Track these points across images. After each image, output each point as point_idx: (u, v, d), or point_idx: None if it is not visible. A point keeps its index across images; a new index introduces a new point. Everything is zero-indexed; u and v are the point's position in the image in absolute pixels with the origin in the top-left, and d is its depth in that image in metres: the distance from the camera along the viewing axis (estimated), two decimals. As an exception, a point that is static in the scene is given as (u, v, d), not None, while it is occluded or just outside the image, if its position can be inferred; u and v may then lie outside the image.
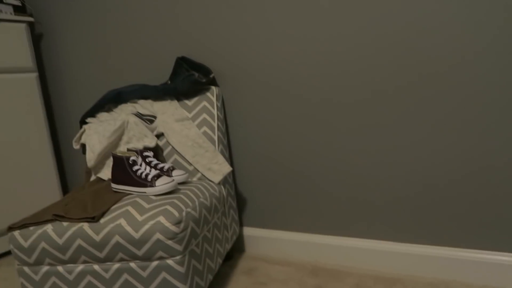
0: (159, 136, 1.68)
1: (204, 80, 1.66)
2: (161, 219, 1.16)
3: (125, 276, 1.18)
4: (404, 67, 1.39)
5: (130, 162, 1.36)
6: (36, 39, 2.28)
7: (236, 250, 1.85)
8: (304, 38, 1.53)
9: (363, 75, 1.46)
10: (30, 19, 2.11)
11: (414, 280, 1.46)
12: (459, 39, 1.30)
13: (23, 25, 2.09)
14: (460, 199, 1.40)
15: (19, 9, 2.10)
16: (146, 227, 1.15)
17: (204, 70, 1.73)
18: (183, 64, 1.77)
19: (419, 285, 1.42)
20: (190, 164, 1.60)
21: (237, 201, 1.83)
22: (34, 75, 2.14)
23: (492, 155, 1.33)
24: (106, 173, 1.59)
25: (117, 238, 1.15)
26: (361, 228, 1.59)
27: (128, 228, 1.15)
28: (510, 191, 1.32)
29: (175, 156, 1.62)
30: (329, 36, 1.49)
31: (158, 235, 1.14)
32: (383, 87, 1.44)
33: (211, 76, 1.70)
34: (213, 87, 1.71)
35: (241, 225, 1.85)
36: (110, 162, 1.61)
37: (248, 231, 1.82)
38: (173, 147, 1.63)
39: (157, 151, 1.65)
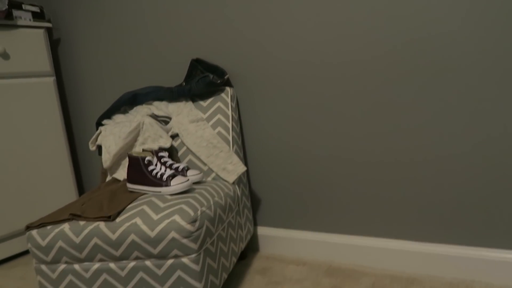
0: (174, 137, 1.70)
1: (219, 81, 1.67)
2: (176, 218, 1.16)
3: (141, 274, 1.19)
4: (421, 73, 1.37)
5: (146, 162, 1.37)
6: (54, 44, 2.33)
7: (250, 249, 1.85)
8: (318, 37, 1.53)
9: (379, 69, 1.45)
10: (48, 25, 2.16)
11: (432, 280, 1.43)
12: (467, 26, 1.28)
13: (42, 31, 2.13)
14: (480, 197, 1.37)
15: (37, 16, 2.14)
16: (162, 226, 1.16)
17: (218, 71, 1.74)
18: (198, 66, 1.79)
19: (438, 284, 1.40)
20: (205, 164, 1.61)
21: (251, 201, 1.83)
22: (52, 79, 2.18)
23: None
24: (121, 174, 1.61)
25: (132, 236, 1.16)
26: (377, 227, 1.57)
27: (144, 227, 1.16)
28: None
29: (190, 157, 1.63)
30: (342, 34, 1.48)
31: (173, 234, 1.15)
32: (402, 83, 1.42)
33: (225, 77, 1.71)
34: (227, 88, 1.72)
35: (255, 224, 1.85)
36: (125, 163, 1.63)
37: (262, 230, 1.81)
38: (188, 147, 1.64)
39: (172, 152, 1.66)
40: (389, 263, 1.54)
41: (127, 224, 1.18)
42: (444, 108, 1.37)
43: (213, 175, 1.59)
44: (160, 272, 1.18)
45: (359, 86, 1.49)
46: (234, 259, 1.49)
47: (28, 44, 2.08)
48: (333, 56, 1.51)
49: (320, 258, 1.68)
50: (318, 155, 1.62)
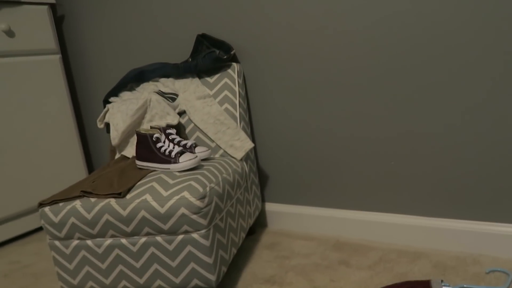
0: (181, 113, 1.70)
1: (225, 57, 1.65)
2: (186, 194, 1.17)
3: (152, 249, 1.21)
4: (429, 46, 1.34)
5: (154, 140, 1.38)
6: (58, 21, 2.31)
7: (259, 225, 1.87)
8: (327, 10, 1.50)
9: (389, 45, 1.42)
10: (52, 1, 2.13)
11: (439, 253, 1.45)
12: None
13: (45, 7, 2.11)
14: (487, 171, 1.36)
15: (40, -9, 2.12)
16: (171, 202, 1.17)
17: (225, 46, 1.72)
18: (204, 41, 1.76)
19: (444, 258, 1.41)
20: (212, 141, 1.61)
21: (259, 177, 1.84)
22: (57, 57, 2.18)
23: (522, 127, 1.28)
24: (130, 151, 1.62)
25: (143, 213, 1.18)
26: (385, 203, 1.57)
27: (154, 203, 1.18)
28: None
29: (197, 133, 1.63)
30: (352, 8, 1.45)
31: (183, 210, 1.16)
32: (409, 60, 1.40)
33: (232, 52, 1.69)
34: (234, 64, 1.70)
35: (263, 200, 1.86)
36: (134, 140, 1.64)
37: (270, 206, 1.83)
38: (195, 124, 1.64)
39: (180, 129, 1.66)
40: (396, 238, 1.56)
41: (137, 200, 1.19)
42: (452, 82, 1.35)
43: (221, 151, 1.60)
44: (170, 247, 1.20)
45: (370, 60, 1.47)
46: (243, 235, 1.51)
47: (32, 21, 2.06)
48: (344, 29, 1.49)
49: (328, 233, 1.70)
50: (326, 131, 1.62)
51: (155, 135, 1.38)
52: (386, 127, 1.49)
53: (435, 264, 1.38)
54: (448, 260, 1.40)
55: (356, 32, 1.46)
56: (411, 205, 1.52)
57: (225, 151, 1.59)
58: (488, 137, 1.34)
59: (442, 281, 1.21)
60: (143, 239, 1.21)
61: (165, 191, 1.20)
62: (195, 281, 1.22)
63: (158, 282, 1.23)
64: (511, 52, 1.24)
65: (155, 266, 1.22)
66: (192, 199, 1.17)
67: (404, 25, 1.37)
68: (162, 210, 1.17)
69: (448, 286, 1.19)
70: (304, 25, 1.55)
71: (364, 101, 1.51)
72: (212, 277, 1.21)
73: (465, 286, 1.22)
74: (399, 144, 1.49)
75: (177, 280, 1.22)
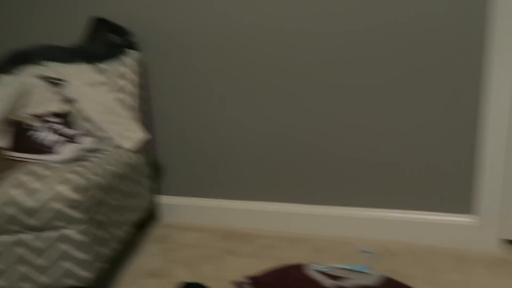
0: (70, 101, 1.60)
1: (122, 43, 1.59)
2: (61, 186, 1.11)
3: (20, 249, 1.11)
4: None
5: (29, 127, 1.29)
6: None
7: (152, 218, 1.83)
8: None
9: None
10: None
11: (317, 238, 1.56)
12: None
13: None
14: (336, 160, 1.48)
15: None
16: (42, 195, 1.10)
17: (123, 32, 1.64)
18: (100, 26, 1.67)
19: (322, 242, 1.53)
20: (104, 131, 1.54)
21: (156, 170, 1.80)
22: None
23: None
24: (3, 141, 1.49)
25: (8, 208, 1.08)
26: (270, 192, 1.64)
27: (22, 198, 1.09)
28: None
29: (87, 123, 1.55)
30: None
31: (56, 204, 1.10)
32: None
33: (130, 38, 1.62)
34: (133, 51, 1.63)
35: (158, 193, 1.83)
36: (8, 129, 1.51)
37: (165, 199, 1.81)
38: (85, 113, 1.55)
39: (67, 117, 1.56)
40: (280, 225, 1.64)
41: (3, 195, 1.10)
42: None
43: (112, 142, 1.53)
44: (41, 245, 1.11)
45: (279, 55, 1.50)
46: (131, 229, 1.47)
47: None
48: (256, 24, 1.50)
49: (219, 223, 1.73)
50: (221, 123, 1.64)
51: (32, 123, 1.29)
52: (273, 120, 1.55)
53: (313, 248, 1.49)
54: (324, 244, 1.51)
55: (261, 23, 1.49)
56: (292, 194, 1.62)
57: (116, 141, 1.53)
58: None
59: (312, 263, 1.31)
60: (10, 238, 1.11)
61: (37, 184, 1.12)
62: (69, 280, 1.15)
63: (26, 284, 1.15)
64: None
65: (22, 267, 1.13)
66: (68, 192, 1.11)
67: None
68: (32, 205, 1.09)
69: (319, 266, 1.29)
70: (209, 14, 1.54)
71: (257, 94, 1.55)
72: (88, 275, 1.16)
73: (333, 266, 1.33)
74: (281, 137, 1.55)
75: (48, 281, 1.14)
